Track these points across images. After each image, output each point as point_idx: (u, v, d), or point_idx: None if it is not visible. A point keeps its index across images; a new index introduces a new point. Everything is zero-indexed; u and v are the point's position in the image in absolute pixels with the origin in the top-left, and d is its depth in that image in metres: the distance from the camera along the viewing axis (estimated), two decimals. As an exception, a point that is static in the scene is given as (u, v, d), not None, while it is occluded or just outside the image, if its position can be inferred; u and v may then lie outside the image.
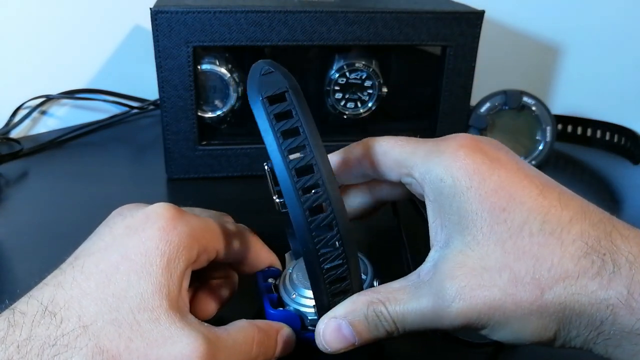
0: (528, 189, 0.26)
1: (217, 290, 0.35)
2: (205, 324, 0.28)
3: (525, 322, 0.26)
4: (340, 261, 0.27)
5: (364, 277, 0.32)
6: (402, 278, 0.29)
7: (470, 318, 0.26)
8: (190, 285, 0.33)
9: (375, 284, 0.33)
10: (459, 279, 0.26)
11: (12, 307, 0.26)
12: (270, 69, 0.28)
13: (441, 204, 0.27)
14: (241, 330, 0.29)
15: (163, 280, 0.27)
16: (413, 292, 0.28)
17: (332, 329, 0.29)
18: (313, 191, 0.27)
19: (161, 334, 0.26)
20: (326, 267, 0.27)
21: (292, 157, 0.27)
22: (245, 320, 0.30)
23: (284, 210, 0.30)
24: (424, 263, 0.29)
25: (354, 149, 0.32)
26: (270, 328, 0.31)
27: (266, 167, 0.31)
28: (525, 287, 0.25)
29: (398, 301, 0.28)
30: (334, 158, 0.32)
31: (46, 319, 0.25)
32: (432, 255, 0.28)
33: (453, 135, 0.29)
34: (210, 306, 0.34)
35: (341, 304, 0.29)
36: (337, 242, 0.27)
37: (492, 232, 0.26)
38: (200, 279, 0.35)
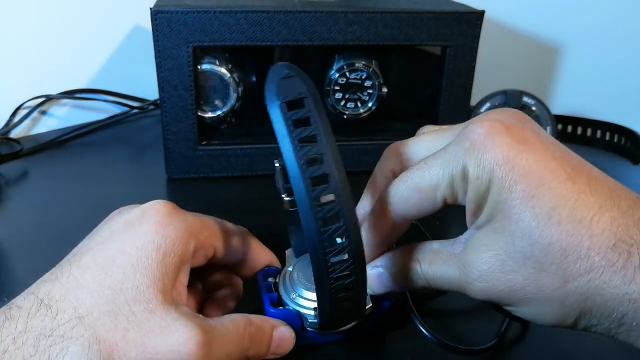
0: (557, 173, 0.25)
1: (224, 300, 0.35)
2: (200, 316, 0.29)
3: (546, 307, 0.26)
4: (348, 272, 0.27)
5: None
6: (442, 241, 0.30)
7: (491, 297, 0.27)
8: (196, 294, 0.34)
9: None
10: (483, 261, 0.27)
11: (9, 304, 0.26)
12: (291, 73, 0.27)
13: (479, 197, 0.27)
14: (233, 322, 0.30)
15: (158, 274, 0.27)
16: (445, 259, 0.29)
17: (374, 276, 0.32)
18: (324, 199, 0.26)
19: (158, 324, 0.26)
20: (334, 276, 0.27)
21: (305, 157, 0.26)
22: (239, 314, 0.31)
23: (292, 209, 0.30)
24: (460, 236, 0.29)
25: (380, 221, 0.30)
26: (265, 323, 0.31)
27: (277, 165, 0.31)
28: (549, 275, 0.25)
29: (431, 263, 0.30)
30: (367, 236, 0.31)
31: (42, 311, 0.25)
32: (467, 232, 0.29)
33: (473, 124, 0.27)
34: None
35: (385, 255, 0.32)
36: (347, 254, 0.27)
37: (520, 220, 0.25)
38: (206, 287, 0.35)
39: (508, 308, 0.28)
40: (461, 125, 0.29)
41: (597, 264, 0.24)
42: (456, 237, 0.29)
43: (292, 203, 0.30)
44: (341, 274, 0.27)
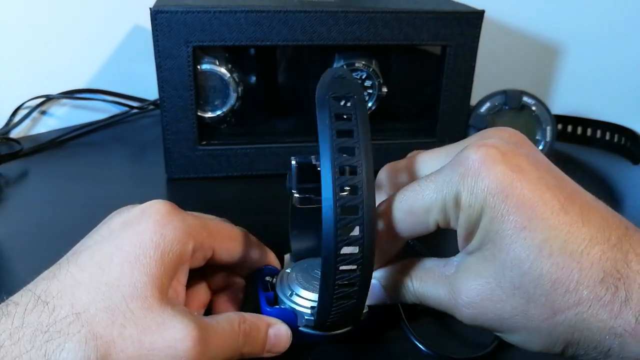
0: (550, 203, 0.25)
1: (228, 300, 0.35)
2: (195, 314, 0.29)
3: (534, 336, 0.26)
4: (355, 266, 0.27)
5: None
6: (436, 259, 0.31)
7: (479, 323, 0.28)
8: (201, 295, 0.34)
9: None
10: (472, 288, 0.27)
11: (7, 300, 0.26)
12: (344, 75, 0.29)
13: (470, 225, 0.27)
14: (228, 320, 0.30)
15: (156, 272, 0.28)
16: (436, 279, 0.30)
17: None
18: (348, 190, 0.27)
19: (154, 321, 0.26)
20: (341, 268, 0.27)
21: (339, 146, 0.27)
22: (234, 312, 0.31)
23: (301, 206, 0.31)
24: (453, 257, 0.29)
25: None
26: (260, 321, 0.31)
27: (293, 162, 0.32)
28: (538, 307, 0.25)
29: (423, 281, 0.30)
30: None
31: (38, 307, 0.26)
32: (459, 255, 0.29)
33: (468, 150, 0.27)
34: None
35: (381, 268, 0.32)
36: (358, 247, 0.27)
37: (511, 250, 0.25)
38: (211, 288, 0.35)
39: (496, 333, 0.28)
40: (457, 145, 0.29)
41: (585, 297, 0.24)
42: (449, 258, 0.30)
43: (303, 200, 0.31)
44: (348, 267, 0.27)
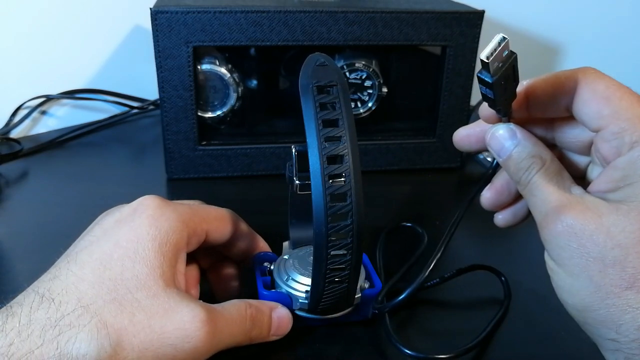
0: None
1: (225, 279, 0.36)
2: (200, 301, 0.29)
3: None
4: (345, 251, 0.28)
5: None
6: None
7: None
8: (194, 280, 0.35)
9: (365, 285, 0.34)
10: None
11: (9, 303, 0.27)
12: (325, 63, 0.29)
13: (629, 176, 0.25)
14: (234, 305, 0.31)
15: (156, 262, 0.28)
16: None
17: (505, 127, 0.29)
18: (336, 178, 0.28)
19: (161, 307, 0.27)
20: (332, 253, 0.28)
21: (325, 136, 0.28)
22: (238, 299, 0.32)
23: (301, 192, 0.33)
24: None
25: (564, 76, 0.28)
26: (264, 306, 0.32)
27: (293, 149, 0.33)
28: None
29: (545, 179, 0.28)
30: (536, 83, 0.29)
31: (44, 304, 0.26)
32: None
33: None
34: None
35: (528, 134, 0.29)
36: (348, 234, 0.28)
37: None
38: (201, 264, 0.36)
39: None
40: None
41: None
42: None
43: (303, 187, 0.33)
44: (338, 252, 0.28)
